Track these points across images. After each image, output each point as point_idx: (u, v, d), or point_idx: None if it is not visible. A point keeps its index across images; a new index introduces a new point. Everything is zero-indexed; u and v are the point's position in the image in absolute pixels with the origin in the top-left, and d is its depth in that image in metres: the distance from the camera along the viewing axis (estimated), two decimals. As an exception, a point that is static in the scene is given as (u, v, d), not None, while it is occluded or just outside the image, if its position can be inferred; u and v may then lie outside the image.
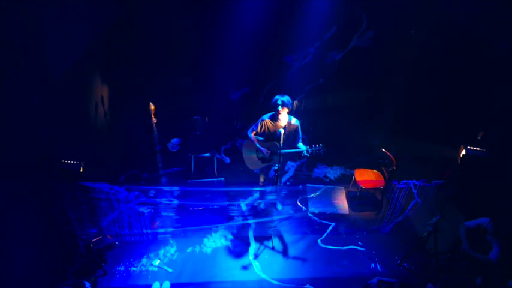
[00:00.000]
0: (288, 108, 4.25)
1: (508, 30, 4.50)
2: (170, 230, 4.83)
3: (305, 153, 4.33)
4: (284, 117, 4.33)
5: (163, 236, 4.75)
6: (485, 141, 4.64)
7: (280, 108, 4.20)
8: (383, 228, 4.87)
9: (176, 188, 5.49)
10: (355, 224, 5.02)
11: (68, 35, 4.22)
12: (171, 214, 5.08)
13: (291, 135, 4.46)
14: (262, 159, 4.65)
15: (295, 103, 6.81)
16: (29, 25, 3.53)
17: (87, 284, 3.84)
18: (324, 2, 5.87)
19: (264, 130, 4.48)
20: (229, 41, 6.03)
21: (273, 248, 4.64)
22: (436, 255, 4.17)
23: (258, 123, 4.46)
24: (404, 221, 4.99)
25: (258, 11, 5.81)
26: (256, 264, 4.42)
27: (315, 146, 4.26)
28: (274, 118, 4.35)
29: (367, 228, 4.94)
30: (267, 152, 4.53)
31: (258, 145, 4.52)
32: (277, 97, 4.21)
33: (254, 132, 4.52)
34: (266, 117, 4.43)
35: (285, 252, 4.60)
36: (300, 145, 4.47)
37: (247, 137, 4.60)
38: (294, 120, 4.42)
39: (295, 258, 4.53)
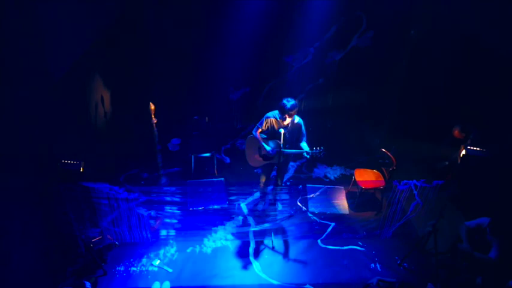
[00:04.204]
0: (295, 113, 4.24)
1: (508, 30, 4.50)
2: (172, 232, 4.84)
3: (305, 155, 4.32)
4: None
5: (164, 238, 4.75)
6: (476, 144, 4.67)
7: (287, 117, 4.19)
8: (385, 233, 4.86)
9: (175, 188, 5.51)
10: (356, 227, 5.00)
11: (68, 34, 4.22)
12: (174, 211, 5.08)
13: (295, 133, 4.46)
14: (264, 157, 4.65)
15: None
16: (29, 25, 3.53)
17: (88, 284, 3.85)
18: (324, 2, 5.87)
19: (268, 127, 4.48)
20: (229, 40, 6.03)
21: (273, 248, 4.64)
22: (436, 255, 4.17)
23: (262, 121, 4.45)
24: (406, 223, 4.98)
25: (258, 11, 5.81)
26: (256, 264, 4.42)
27: (316, 148, 4.26)
28: (280, 118, 4.34)
29: (368, 231, 4.93)
30: (272, 150, 4.51)
31: (263, 143, 4.50)
32: (286, 106, 4.12)
33: (260, 130, 4.51)
34: (271, 115, 4.43)
35: (285, 252, 4.60)
36: (304, 144, 4.46)
37: (253, 136, 4.59)
38: (297, 119, 4.42)
39: (295, 258, 4.53)
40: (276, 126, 4.44)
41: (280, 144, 4.25)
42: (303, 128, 4.46)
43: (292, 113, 4.17)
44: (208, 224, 4.93)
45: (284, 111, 4.15)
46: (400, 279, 4.02)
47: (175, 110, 6.46)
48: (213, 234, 4.81)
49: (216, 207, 5.22)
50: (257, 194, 5.42)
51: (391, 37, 6.07)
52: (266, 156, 4.61)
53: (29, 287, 3.73)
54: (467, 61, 5.14)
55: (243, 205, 5.30)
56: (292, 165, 6.13)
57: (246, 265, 4.42)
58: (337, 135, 6.73)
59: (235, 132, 6.81)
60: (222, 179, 5.66)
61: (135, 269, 4.33)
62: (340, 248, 4.67)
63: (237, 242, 4.71)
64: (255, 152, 4.68)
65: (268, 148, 4.48)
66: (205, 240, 4.71)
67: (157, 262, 4.40)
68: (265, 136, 4.57)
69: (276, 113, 4.39)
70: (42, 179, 3.79)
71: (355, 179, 5.17)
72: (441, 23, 5.49)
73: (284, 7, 5.89)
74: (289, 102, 4.13)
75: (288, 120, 4.32)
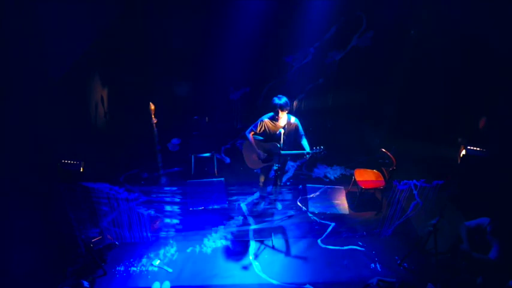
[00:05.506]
0: (287, 110, 4.26)
1: (507, 30, 4.50)
2: (171, 232, 4.84)
3: (306, 156, 4.33)
4: (283, 117, 4.34)
5: (164, 238, 4.75)
6: (487, 132, 4.67)
7: (279, 112, 4.21)
8: (384, 231, 4.87)
9: (175, 188, 5.51)
10: (356, 227, 5.00)
11: (68, 34, 4.22)
12: (175, 209, 5.08)
13: (292, 134, 4.46)
14: (262, 159, 4.65)
15: (295, 103, 6.82)
16: (29, 25, 3.53)
17: (86, 283, 3.85)
18: (324, 2, 5.87)
19: (264, 131, 4.48)
20: (229, 40, 6.02)
21: (273, 248, 4.64)
22: (436, 255, 4.17)
23: (257, 124, 4.46)
24: (405, 222, 4.99)
25: (258, 11, 5.81)
26: (256, 264, 4.42)
27: (316, 148, 4.26)
28: (274, 119, 4.36)
29: (368, 231, 4.93)
30: (263, 155, 4.54)
31: (255, 147, 4.51)
32: (276, 101, 4.18)
33: (252, 132, 4.51)
34: (266, 118, 4.43)
35: (285, 252, 4.60)
36: (304, 142, 4.46)
37: (246, 137, 4.60)
38: (293, 119, 4.42)
39: (295, 258, 4.53)
40: (271, 129, 4.44)
41: (277, 146, 4.25)
42: (300, 127, 4.46)
43: (282, 111, 4.20)
44: (208, 224, 4.94)
45: (276, 107, 4.18)
46: (400, 279, 4.02)
47: (175, 110, 6.47)
48: (213, 234, 4.81)
49: (216, 207, 5.22)
50: (257, 194, 5.42)
51: (391, 37, 6.07)
52: (264, 158, 4.61)
53: (29, 287, 3.73)
54: (467, 61, 5.14)
55: (243, 205, 5.30)
56: (292, 165, 6.13)
57: (246, 265, 4.42)
58: (337, 135, 6.73)
59: (235, 132, 6.81)
60: (222, 179, 5.66)
61: (135, 269, 4.33)
62: (340, 248, 4.67)
63: (237, 242, 4.72)
64: (253, 154, 4.68)
65: (260, 153, 4.54)
66: (205, 240, 4.71)
67: (157, 262, 4.40)
68: (261, 138, 4.57)
69: (269, 115, 4.40)
70: (42, 179, 3.79)
71: (355, 179, 5.17)
72: (441, 23, 5.49)
73: (284, 7, 5.89)
74: (281, 99, 4.18)
75: (283, 121, 4.32)
